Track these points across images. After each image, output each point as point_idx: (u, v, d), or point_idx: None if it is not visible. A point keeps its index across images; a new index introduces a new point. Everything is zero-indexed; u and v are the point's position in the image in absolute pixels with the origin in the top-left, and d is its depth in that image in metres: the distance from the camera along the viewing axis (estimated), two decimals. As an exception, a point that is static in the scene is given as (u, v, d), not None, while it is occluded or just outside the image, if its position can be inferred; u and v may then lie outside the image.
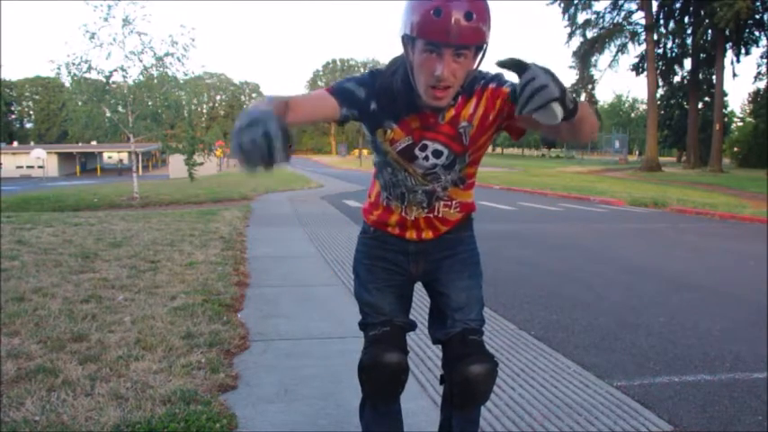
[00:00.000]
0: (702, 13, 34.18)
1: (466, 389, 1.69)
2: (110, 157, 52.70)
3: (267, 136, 1.19)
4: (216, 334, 3.39)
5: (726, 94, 45.89)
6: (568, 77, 41.10)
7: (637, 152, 65.12)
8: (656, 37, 36.81)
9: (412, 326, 1.83)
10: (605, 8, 42.20)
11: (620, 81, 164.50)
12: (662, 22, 38.30)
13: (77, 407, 2.42)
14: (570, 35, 39.36)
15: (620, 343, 3.69)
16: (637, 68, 39.59)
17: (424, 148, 1.60)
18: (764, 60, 36.53)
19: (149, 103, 15.27)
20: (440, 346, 1.81)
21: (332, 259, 6.14)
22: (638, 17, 37.99)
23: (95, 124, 14.91)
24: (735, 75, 53.97)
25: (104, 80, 14.63)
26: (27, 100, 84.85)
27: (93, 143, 28.08)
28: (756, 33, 35.86)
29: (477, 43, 1.41)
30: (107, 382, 2.68)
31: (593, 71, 40.47)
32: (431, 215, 1.73)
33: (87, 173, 49.01)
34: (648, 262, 6.77)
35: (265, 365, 3.06)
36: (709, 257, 7.42)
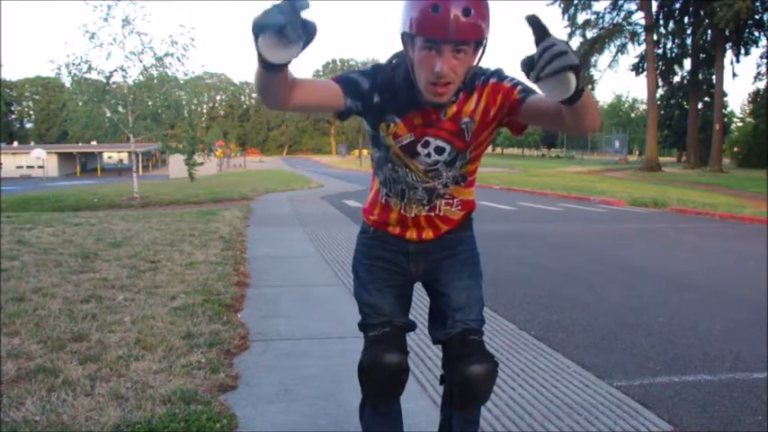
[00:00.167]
0: (702, 13, 34.18)
1: (466, 389, 1.69)
2: (110, 157, 52.68)
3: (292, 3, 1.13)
4: (216, 334, 3.39)
5: (726, 95, 46.01)
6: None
7: (637, 152, 65.10)
8: (655, 37, 36.80)
9: (412, 326, 1.83)
10: (605, 8, 42.22)
11: (620, 81, 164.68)
12: (662, 22, 38.30)
13: (77, 407, 2.42)
14: (570, 35, 39.33)
15: (620, 343, 3.69)
16: (636, 69, 39.59)
17: (426, 144, 1.60)
18: (764, 60, 36.59)
19: (149, 103, 15.27)
20: (440, 346, 1.81)
21: (332, 259, 6.14)
22: (638, 17, 38.01)
23: (95, 124, 14.91)
24: (735, 75, 54.09)
25: (104, 80, 14.63)
26: (27, 100, 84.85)
27: (94, 143, 28.08)
28: (756, 33, 35.88)
29: (476, 39, 1.40)
30: (107, 382, 2.68)
31: (593, 71, 40.47)
32: (431, 213, 1.72)
33: (87, 173, 48.99)
34: (648, 262, 6.77)
35: (265, 365, 3.06)
36: (710, 257, 7.42)
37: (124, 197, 15.10)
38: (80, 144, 38.43)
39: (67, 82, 15.36)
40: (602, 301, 4.83)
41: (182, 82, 15.75)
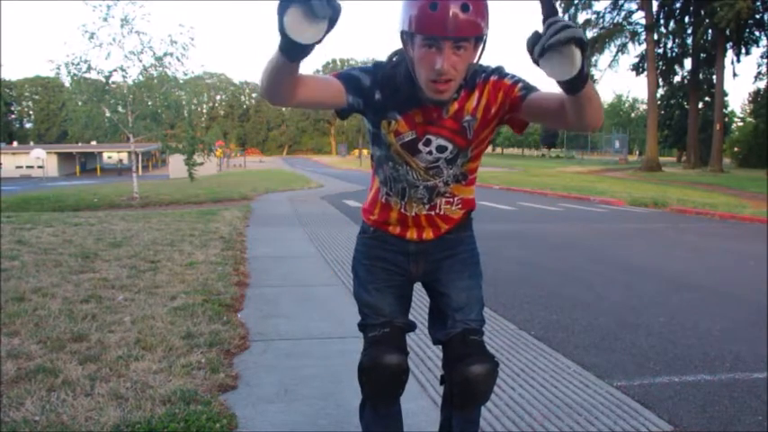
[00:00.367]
0: (703, 12, 34.17)
1: (466, 389, 1.69)
2: (109, 157, 52.66)
3: None
4: (216, 334, 3.39)
5: (726, 94, 45.95)
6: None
7: (637, 152, 65.10)
8: (656, 37, 36.78)
9: (412, 326, 1.83)
10: (605, 8, 42.28)
11: (621, 81, 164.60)
12: (662, 21, 38.28)
13: (77, 407, 2.42)
14: (570, 35, 39.28)
15: (620, 343, 3.69)
16: (637, 68, 39.58)
17: (428, 142, 1.60)
18: (765, 60, 36.56)
19: (149, 103, 15.27)
20: (440, 347, 1.80)
21: (332, 259, 6.14)
22: (639, 17, 38.01)
23: (95, 124, 14.91)
24: (735, 75, 54.08)
25: (104, 80, 14.64)
26: (27, 100, 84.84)
27: (93, 143, 28.09)
28: (757, 33, 35.86)
29: (476, 35, 1.40)
30: (107, 382, 2.67)
31: (594, 71, 40.43)
32: (432, 212, 1.72)
33: (87, 173, 48.98)
34: (648, 262, 6.77)
35: (265, 365, 3.05)
36: (710, 257, 7.41)
37: (124, 197, 15.10)
38: (80, 144, 38.43)
39: (67, 82, 15.38)
40: (603, 301, 4.83)
41: (181, 82, 15.75)
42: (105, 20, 14.02)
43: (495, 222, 9.90)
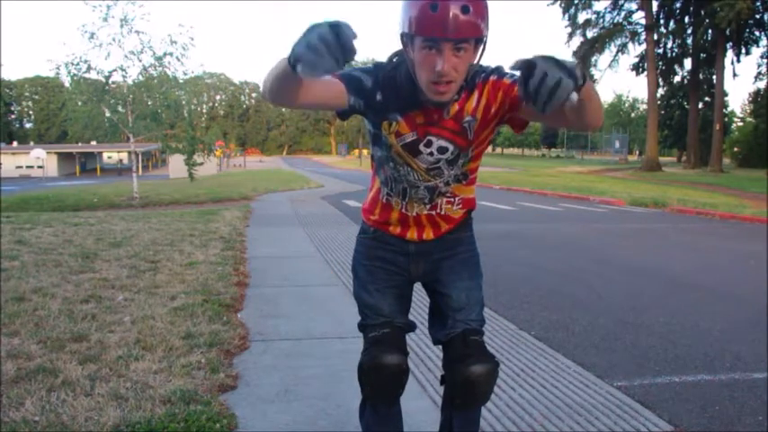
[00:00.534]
0: (703, 12, 34.19)
1: (467, 389, 1.69)
2: (109, 157, 52.65)
3: (333, 26, 1.16)
4: (216, 334, 3.39)
5: (726, 94, 46.00)
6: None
7: (637, 152, 65.11)
8: (656, 37, 36.81)
9: (411, 327, 1.82)
10: (605, 8, 42.22)
11: (621, 81, 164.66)
12: (662, 21, 38.32)
13: (77, 407, 2.42)
14: (570, 35, 39.38)
15: (620, 343, 3.69)
16: (637, 68, 39.59)
17: (429, 144, 1.59)
18: (765, 60, 36.60)
19: (149, 103, 15.27)
20: (440, 347, 1.80)
21: (332, 259, 6.14)
22: (639, 17, 38.04)
23: (95, 124, 14.91)
24: (735, 75, 54.06)
25: (104, 80, 14.63)
26: (27, 100, 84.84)
27: (93, 143, 28.11)
28: (757, 33, 35.89)
29: (476, 36, 1.40)
30: (107, 383, 2.67)
31: (594, 71, 40.43)
32: (433, 212, 1.72)
33: (87, 173, 48.97)
34: (649, 262, 6.77)
35: (265, 365, 3.05)
36: (710, 257, 7.41)
37: (124, 197, 15.11)
38: (80, 144, 38.45)
39: (67, 82, 15.38)
40: (603, 301, 4.82)
41: (181, 82, 15.75)
42: (105, 20, 14.03)
43: (495, 222, 9.89)
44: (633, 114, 72.25)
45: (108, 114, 15.03)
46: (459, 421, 1.81)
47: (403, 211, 1.72)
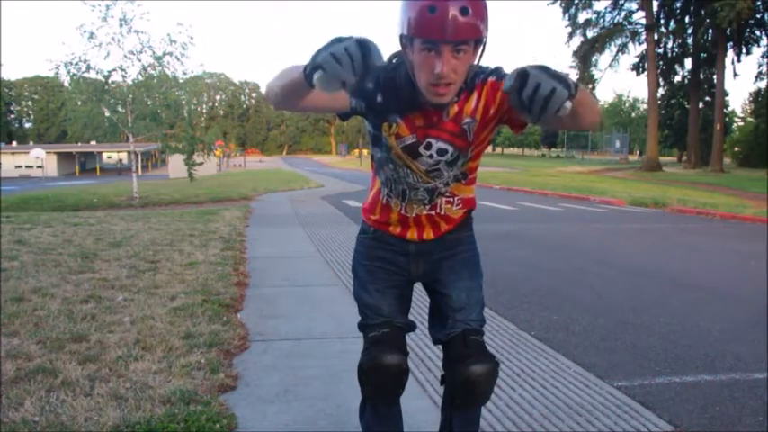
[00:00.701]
0: (703, 12, 34.19)
1: (467, 389, 1.69)
2: (109, 157, 52.65)
3: (361, 43, 1.18)
4: (216, 334, 3.38)
5: (727, 94, 46.03)
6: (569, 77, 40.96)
7: (637, 152, 65.10)
8: (656, 37, 36.79)
9: (411, 327, 1.82)
10: (606, 8, 42.16)
11: (621, 81, 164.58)
12: (662, 21, 38.30)
13: (77, 407, 2.41)
14: (571, 35, 39.37)
15: (620, 343, 3.69)
16: (637, 68, 39.58)
17: (428, 146, 1.59)
18: (765, 60, 36.56)
19: (149, 103, 15.26)
20: (440, 347, 1.80)
21: (332, 259, 6.14)
22: (639, 17, 38.03)
23: (94, 124, 14.90)
24: (736, 74, 53.93)
25: (103, 80, 14.63)
26: (26, 100, 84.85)
27: (93, 143, 28.06)
28: (757, 33, 35.88)
29: (475, 38, 1.39)
30: (106, 383, 2.67)
31: (594, 71, 40.47)
32: (432, 212, 1.72)
33: (87, 173, 48.98)
34: (649, 262, 6.77)
35: (265, 365, 3.05)
36: (710, 257, 7.41)
37: (124, 197, 15.10)
38: (79, 144, 38.39)
39: (66, 81, 15.37)
40: (603, 301, 4.82)
41: (181, 81, 15.74)
42: (104, 19, 14.02)
43: (495, 222, 9.89)
44: (633, 114, 72.24)
45: (107, 114, 15.03)
46: (459, 421, 1.81)
47: (402, 211, 1.72)
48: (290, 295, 4.61)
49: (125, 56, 14.48)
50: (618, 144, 50.20)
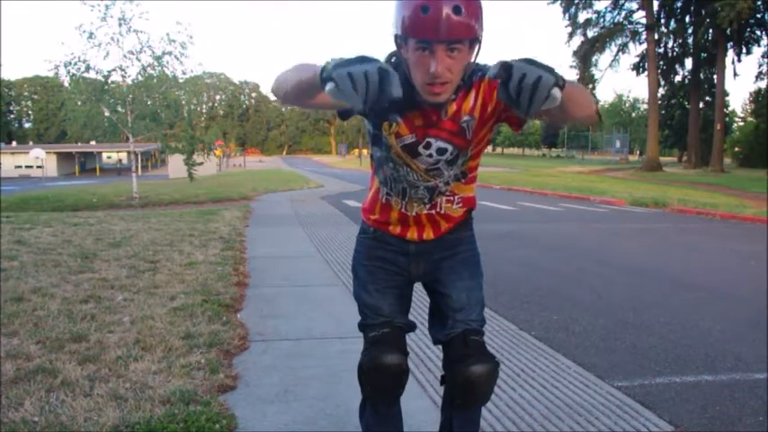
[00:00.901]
0: (703, 12, 34.19)
1: (467, 389, 1.69)
2: (109, 157, 52.64)
3: (383, 72, 1.20)
4: (215, 334, 3.38)
5: (727, 94, 45.92)
6: (569, 77, 40.99)
7: (637, 152, 65.07)
8: (656, 36, 36.79)
9: (411, 327, 1.82)
10: (606, 7, 42.14)
11: (621, 81, 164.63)
12: (663, 21, 38.29)
13: (76, 407, 2.41)
14: (571, 35, 39.37)
15: (620, 343, 3.68)
16: (637, 68, 39.58)
17: (428, 145, 1.59)
18: (765, 60, 36.57)
19: (148, 103, 15.26)
20: (440, 347, 1.80)
21: (332, 259, 6.14)
22: (639, 16, 38.05)
23: (94, 124, 14.91)
24: (736, 74, 53.87)
25: (103, 80, 14.63)
26: (26, 100, 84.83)
27: (93, 143, 28.07)
28: (758, 33, 35.89)
29: (469, 37, 1.39)
30: (106, 383, 2.67)
31: (594, 71, 40.51)
32: (432, 211, 1.71)
33: (86, 173, 48.98)
34: (649, 262, 6.76)
35: (265, 366, 3.05)
36: (710, 257, 7.41)
37: (123, 197, 15.10)
38: (79, 144, 38.41)
39: (66, 81, 15.37)
40: (603, 301, 4.82)
41: (181, 81, 15.74)
42: (104, 19, 14.03)
43: (495, 222, 9.89)
44: (634, 114, 72.23)
45: (107, 114, 15.03)
46: (459, 421, 1.80)
47: (403, 210, 1.72)
48: (290, 295, 4.60)
49: (124, 56, 14.50)
50: (618, 144, 50.21)
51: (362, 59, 1.22)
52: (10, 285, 4.40)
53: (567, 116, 1.37)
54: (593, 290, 5.20)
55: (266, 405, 2.58)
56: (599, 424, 2.50)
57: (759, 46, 37.27)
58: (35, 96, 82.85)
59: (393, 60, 1.56)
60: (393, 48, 1.57)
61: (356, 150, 62.87)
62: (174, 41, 14.51)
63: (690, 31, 37.66)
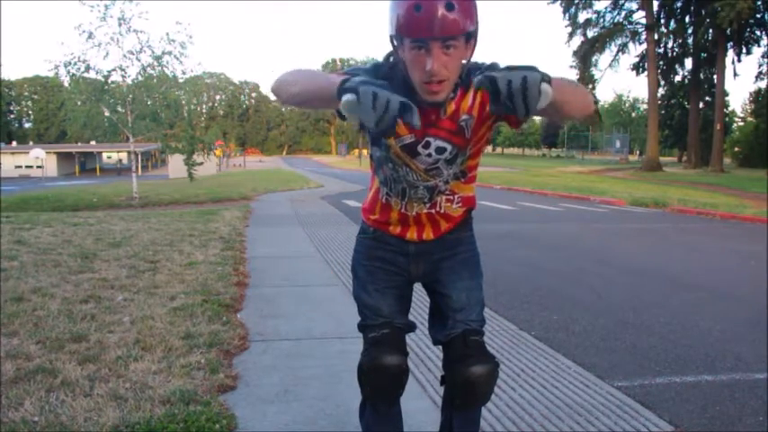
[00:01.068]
0: (703, 12, 34.19)
1: (467, 390, 1.69)
2: (109, 157, 52.65)
3: (404, 105, 1.25)
4: (215, 334, 3.38)
5: (727, 94, 45.99)
6: (569, 77, 41.02)
7: (637, 152, 65.05)
8: (656, 36, 36.79)
9: (411, 327, 1.82)
10: (606, 7, 42.15)
11: (621, 81, 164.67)
12: (663, 21, 38.30)
13: (76, 407, 2.41)
14: (571, 35, 39.37)
15: (620, 343, 3.68)
16: (637, 68, 39.57)
17: (427, 145, 1.59)
18: (765, 60, 36.57)
19: (148, 103, 15.26)
20: (440, 347, 1.80)
21: (332, 259, 6.14)
22: (639, 16, 38.05)
23: (94, 124, 14.91)
24: (736, 74, 53.83)
25: (103, 80, 14.63)
26: (26, 100, 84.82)
27: (93, 143, 28.09)
28: (757, 33, 35.89)
29: (463, 32, 1.39)
30: (106, 383, 2.67)
31: (594, 71, 40.51)
32: (432, 210, 1.71)
33: (86, 173, 48.97)
34: (649, 262, 6.76)
35: (265, 366, 3.05)
36: (710, 257, 7.41)
37: (123, 197, 15.10)
38: (79, 144, 38.45)
39: (66, 81, 15.37)
40: (603, 301, 4.82)
41: (180, 81, 15.74)
42: (103, 19, 14.03)
43: (495, 222, 9.89)
44: (634, 114, 72.19)
45: (107, 114, 15.03)
46: (459, 421, 1.80)
47: (402, 210, 1.72)
48: (290, 295, 4.60)
49: (124, 55, 14.50)
50: (618, 144, 50.21)
51: (385, 87, 1.26)
52: (10, 285, 4.40)
53: (562, 114, 1.39)
54: (593, 290, 5.20)
55: (266, 405, 2.58)
56: (599, 424, 2.50)
57: (759, 46, 37.33)
58: (35, 96, 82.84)
59: (391, 60, 1.56)
60: (391, 48, 1.57)
61: (356, 150, 62.86)
62: (173, 41, 14.53)
63: (690, 31, 37.66)
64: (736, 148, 47.35)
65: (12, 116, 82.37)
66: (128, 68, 14.68)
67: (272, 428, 2.37)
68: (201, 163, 17.20)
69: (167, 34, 14.48)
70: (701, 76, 39.28)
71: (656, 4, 36.95)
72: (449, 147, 1.59)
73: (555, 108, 1.33)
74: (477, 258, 1.82)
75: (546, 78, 1.22)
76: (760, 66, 39.45)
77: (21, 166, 45.46)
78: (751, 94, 52.37)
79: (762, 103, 41.81)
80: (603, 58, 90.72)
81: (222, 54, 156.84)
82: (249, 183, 20.84)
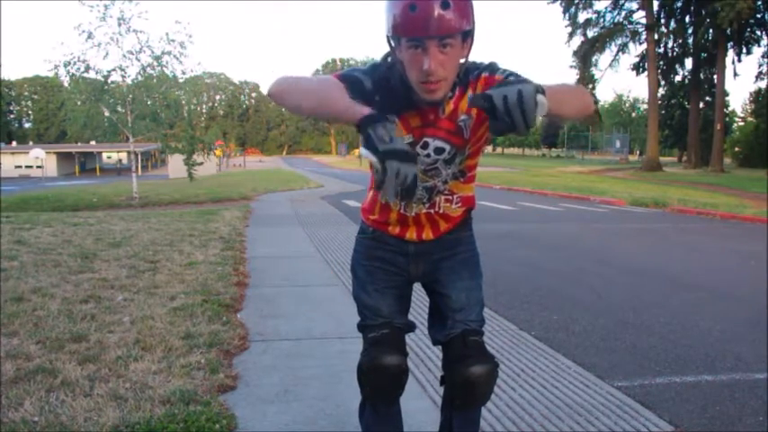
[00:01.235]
0: (703, 12, 34.17)
1: (467, 390, 1.69)
2: (109, 157, 52.64)
3: (415, 177, 1.33)
4: (215, 334, 3.38)
5: (727, 94, 45.89)
6: (569, 77, 41.09)
7: (637, 152, 65.03)
8: (656, 36, 36.77)
9: (411, 327, 1.82)
10: (606, 7, 42.14)
11: (621, 81, 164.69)
12: (663, 21, 38.28)
13: (76, 407, 2.41)
14: (571, 35, 39.35)
15: (620, 343, 3.68)
16: (637, 68, 39.56)
17: (425, 145, 1.59)
18: (766, 60, 36.56)
19: (148, 103, 15.26)
20: (440, 347, 1.80)
21: (332, 259, 6.14)
22: (639, 16, 38.03)
23: (94, 124, 14.91)
24: (736, 74, 53.68)
25: (102, 80, 14.62)
26: (26, 100, 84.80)
27: (92, 143, 28.07)
28: (758, 33, 35.87)
29: (460, 31, 1.39)
30: (106, 383, 2.67)
31: (594, 71, 40.46)
32: (431, 211, 1.71)
33: (86, 173, 48.98)
34: (649, 262, 6.76)
35: (265, 366, 3.05)
36: (710, 257, 7.41)
37: (123, 197, 15.11)
38: (79, 144, 38.42)
39: (66, 81, 15.38)
40: (603, 301, 4.82)
41: (180, 81, 15.74)
42: (103, 19, 14.02)
43: (495, 222, 9.89)
44: (634, 114, 72.24)
45: (107, 114, 15.03)
46: (459, 421, 1.80)
47: (402, 210, 1.72)
48: (290, 295, 4.60)
49: (124, 55, 14.50)
50: (618, 144, 50.20)
51: (407, 155, 1.31)
52: (10, 285, 4.40)
53: (561, 116, 1.40)
54: (593, 290, 5.20)
55: (266, 405, 2.58)
56: (599, 424, 2.50)
57: (759, 46, 37.26)
58: (35, 96, 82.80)
59: (389, 60, 1.56)
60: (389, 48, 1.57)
61: (356, 150, 62.84)
62: (173, 41, 14.53)
63: (690, 31, 37.65)
64: (737, 148, 47.34)
65: (12, 116, 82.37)
66: (127, 68, 14.70)
67: (272, 428, 2.37)
68: (201, 163, 17.19)
69: (167, 34, 14.50)
70: (701, 76, 39.26)
71: (656, 4, 36.94)
72: (447, 147, 1.59)
73: (553, 113, 1.33)
74: (476, 258, 1.82)
75: (540, 90, 1.23)
76: (760, 66, 39.44)
77: (21, 166, 45.46)
78: (751, 94, 52.42)
79: (762, 103, 41.80)
80: (603, 58, 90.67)
81: (222, 54, 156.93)
82: (249, 183, 20.84)
